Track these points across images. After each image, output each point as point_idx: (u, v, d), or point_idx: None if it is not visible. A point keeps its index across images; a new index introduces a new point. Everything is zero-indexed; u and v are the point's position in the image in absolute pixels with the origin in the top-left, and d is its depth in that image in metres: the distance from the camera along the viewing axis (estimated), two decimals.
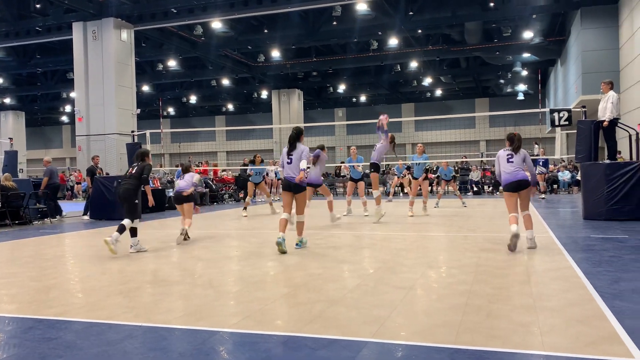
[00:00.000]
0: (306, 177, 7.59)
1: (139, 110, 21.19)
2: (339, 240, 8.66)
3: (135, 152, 8.45)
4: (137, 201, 7.82)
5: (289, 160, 7.58)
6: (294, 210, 7.79)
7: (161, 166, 28.25)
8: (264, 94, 37.29)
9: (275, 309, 4.41)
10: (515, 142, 7.17)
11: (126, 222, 7.63)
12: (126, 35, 20.50)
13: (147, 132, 15.97)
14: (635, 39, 17.27)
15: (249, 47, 27.06)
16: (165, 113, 44.55)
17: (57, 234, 11.08)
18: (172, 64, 28.84)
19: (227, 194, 21.99)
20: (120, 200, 7.88)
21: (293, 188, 7.50)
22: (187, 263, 6.90)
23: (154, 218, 13.84)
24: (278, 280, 5.63)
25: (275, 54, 27.34)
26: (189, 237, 8.92)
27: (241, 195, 21.06)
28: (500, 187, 7.60)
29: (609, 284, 4.87)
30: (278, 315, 4.26)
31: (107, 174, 16.58)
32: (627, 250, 6.86)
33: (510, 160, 7.12)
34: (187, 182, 9.12)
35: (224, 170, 26.06)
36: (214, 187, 21.11)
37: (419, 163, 12.85)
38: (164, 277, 5.93)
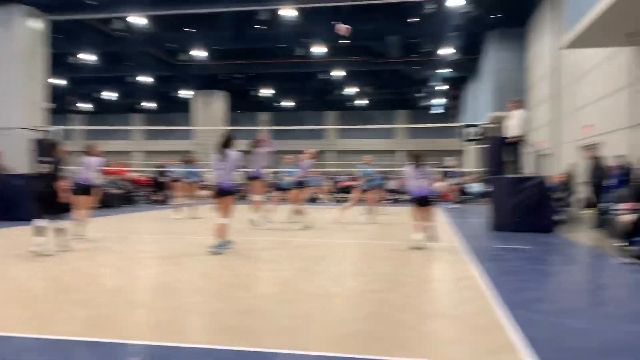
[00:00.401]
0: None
1: (52, 105, 19.97)
2: (258, 247, 8.60)
3: (44, 145, 8.15)
4: (60, 200, 7.56)
5: (220, 167, 7.62)
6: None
7: (72, 165, 26.80)
8: (186, 93, 36.39)
9: (186, 319, 4.30)
10: (420, 161, 8.20)
11: (62, 223, 7.67)
12: (38, 25, 19.28)
13: (59, 127, 15.08)
14: (540, 61, 18.59)
15: (172, 45, 26.34)
16: (80, 109, 42.28)
17: None
18: (89, 57, 27.45)
19: (141, 196, 21.19)
20: (42, 203, 7.55)
21: (223, 193, 7.64)
22: (93, 269, 6.57)
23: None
24: (191, 289, 5.49)
25: (199, 53, 26.79)
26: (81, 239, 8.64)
27: (159, 198, 20.40)
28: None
29: (512, 293, 5.15)
30: (189, 325, 4.16)
31: (13, 170, 15.48)
32: (530, 260, 7.32)
33: (419, 177, 8.18)
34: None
35: (136, 171, 25.08)
36: (128, 187, 20.33)
37: (368, 174, 13.17)
38: (67, 285, 5.60)
